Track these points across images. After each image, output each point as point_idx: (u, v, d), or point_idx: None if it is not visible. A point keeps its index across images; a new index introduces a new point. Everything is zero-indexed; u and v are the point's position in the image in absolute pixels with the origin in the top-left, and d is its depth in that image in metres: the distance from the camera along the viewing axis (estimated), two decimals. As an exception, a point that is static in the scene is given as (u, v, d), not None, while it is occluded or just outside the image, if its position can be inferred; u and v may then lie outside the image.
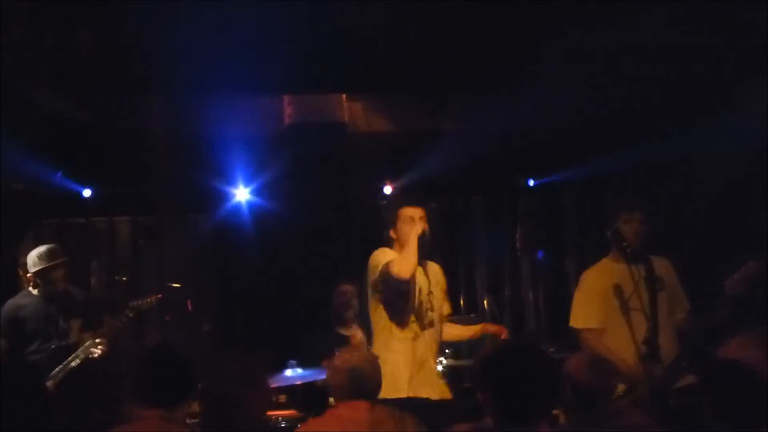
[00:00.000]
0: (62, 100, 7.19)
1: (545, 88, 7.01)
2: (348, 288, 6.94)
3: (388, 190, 8.54)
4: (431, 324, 5.48)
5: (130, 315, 6.63)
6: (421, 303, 5.46)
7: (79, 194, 8.26)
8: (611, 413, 4.17)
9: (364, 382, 4.36)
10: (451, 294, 6.03)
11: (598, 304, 5.53)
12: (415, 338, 5.42)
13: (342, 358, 4.56)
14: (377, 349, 5.41)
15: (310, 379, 6.35)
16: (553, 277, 8.74)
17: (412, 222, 5.44)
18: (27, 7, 5.92)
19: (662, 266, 5.56)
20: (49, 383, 6.07)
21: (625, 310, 5.41)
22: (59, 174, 7.98)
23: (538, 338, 8.22)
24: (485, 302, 8.36)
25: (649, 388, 5.14)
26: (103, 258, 8.62)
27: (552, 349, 7.50)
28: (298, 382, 6.45)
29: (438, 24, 6.43)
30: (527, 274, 8.87)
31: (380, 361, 4.65)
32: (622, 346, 5.32)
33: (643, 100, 7.14)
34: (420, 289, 5.45)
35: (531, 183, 8.69)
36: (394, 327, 5.42)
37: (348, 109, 7.71)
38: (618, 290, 5.45)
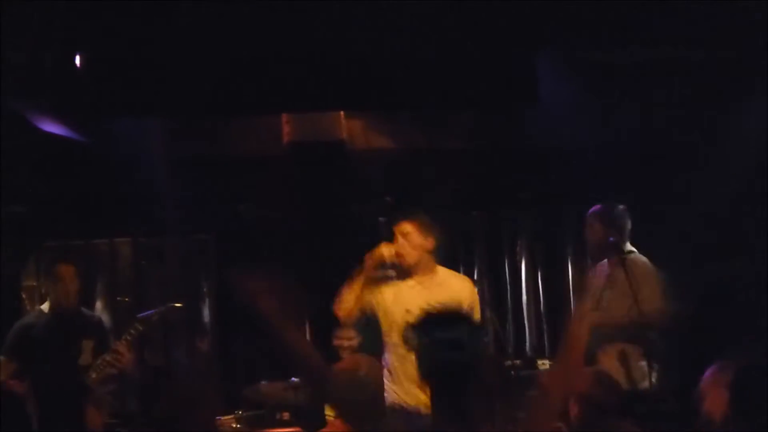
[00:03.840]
0: (61, 121, 7.21)
1: (544, 107, 7.08)
2: None
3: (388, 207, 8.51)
4: None
5: (140, 328, 6.49)
6: None
7: (80, 216, 8.23)
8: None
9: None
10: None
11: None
12: None
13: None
14: None
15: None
16: (553, 291, 8.74)
17: None
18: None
19: (630, 265, 5.82)
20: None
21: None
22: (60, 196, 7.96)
23: (537, 353, 8.24)
24: (487, 316, 8.33)
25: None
26: (105, 280, 8.58)
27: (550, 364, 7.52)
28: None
29: (440, 42, 6.49)
30: (528, 288, 8.85)
31: None
32: None
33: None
34: None
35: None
36: None
37: (346, 127, 7.73)
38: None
